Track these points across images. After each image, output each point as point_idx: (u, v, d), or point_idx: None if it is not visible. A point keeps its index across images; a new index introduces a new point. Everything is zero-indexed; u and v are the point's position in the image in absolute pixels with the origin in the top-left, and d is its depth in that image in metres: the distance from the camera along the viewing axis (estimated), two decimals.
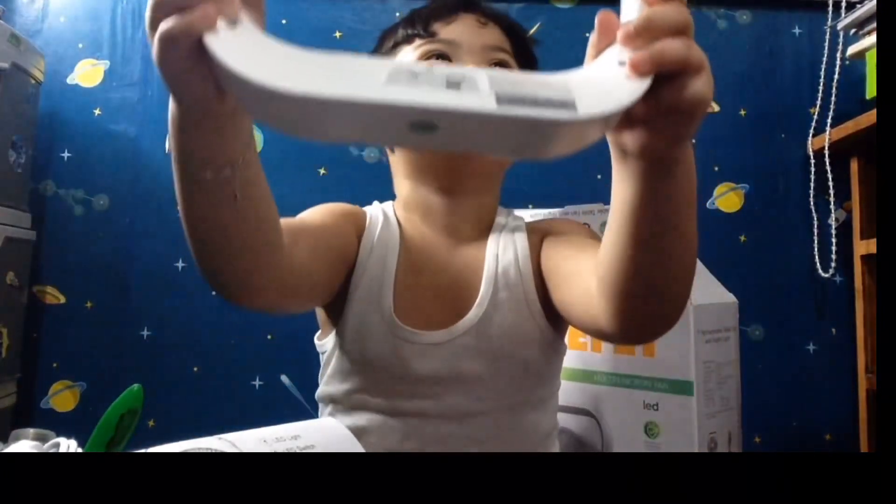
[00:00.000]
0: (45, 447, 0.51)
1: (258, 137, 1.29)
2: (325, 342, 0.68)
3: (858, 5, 1.20)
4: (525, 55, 0.73)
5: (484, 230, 0.70)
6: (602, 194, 0.84)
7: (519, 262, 0.67)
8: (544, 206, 0.90)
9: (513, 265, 0.66)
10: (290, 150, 1.29)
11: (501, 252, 0.67)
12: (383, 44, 0.74)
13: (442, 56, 0.69)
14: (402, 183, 0.71)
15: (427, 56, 0.69)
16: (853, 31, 1.23)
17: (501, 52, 0.70)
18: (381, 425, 0.64)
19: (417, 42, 0.69)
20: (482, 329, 0.64)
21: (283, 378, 1.26)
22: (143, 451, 0.39)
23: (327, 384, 0.69)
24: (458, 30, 0.69)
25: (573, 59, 0.34)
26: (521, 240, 0.68)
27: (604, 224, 0.84)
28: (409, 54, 0.70)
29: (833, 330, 1.31)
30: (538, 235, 0.69)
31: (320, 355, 0.70)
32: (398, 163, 0.71)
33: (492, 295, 0.65)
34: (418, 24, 0.71)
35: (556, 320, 0.66)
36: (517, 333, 0.65)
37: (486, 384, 0.64)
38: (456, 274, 0.67)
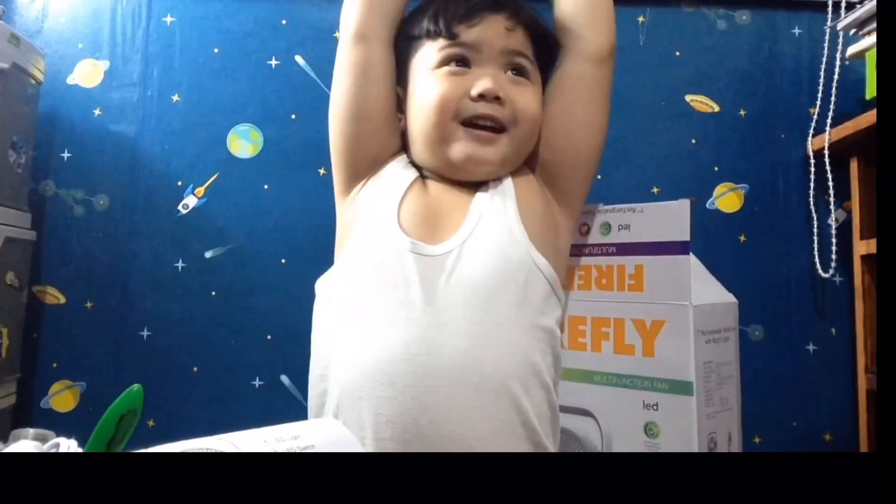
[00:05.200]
0: (45, 447, 0.51)
1: (258, 137, 1.29)
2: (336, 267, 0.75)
3: (858, 5, 1.20)
4: (546, 57, 0.77)
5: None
6: (602, 194, 0.84)
7: (504, 195, 0.73)
8: None
9: (498, 197, 0.73)
10: (290, 150, 1.29)
11: (489, 192, 0.73)
12: (409, 27, 0.76)
13: (462, 61, 0.72)
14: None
15: (447, 60, 0.72)
16: (853, 31, 1.23)
17: (521, 58, 0.73)
18: (374, 329, 0.67)
19: (441, 43, 0.72)
20: (470, 244, 0.70)
21: (284, 378, 1.26)
22: (143, 451, 0.39)
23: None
24: (482, 33, 0.72)
25: None
26: (507, 181, 0.74)
27: (603, 224, 0.84)
28: (430, 52, 0.73)
29: (833, 330, 1.31)
30: (520, 171, 0.76)
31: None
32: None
33: (478, 220, 0.71)
34: (441, 22, 0.72)
35: (549, 253, 0.72)
36: (502, 253, 0.70)
37: (476, 301, 0.67)
38: (448, 207, 0.73)
